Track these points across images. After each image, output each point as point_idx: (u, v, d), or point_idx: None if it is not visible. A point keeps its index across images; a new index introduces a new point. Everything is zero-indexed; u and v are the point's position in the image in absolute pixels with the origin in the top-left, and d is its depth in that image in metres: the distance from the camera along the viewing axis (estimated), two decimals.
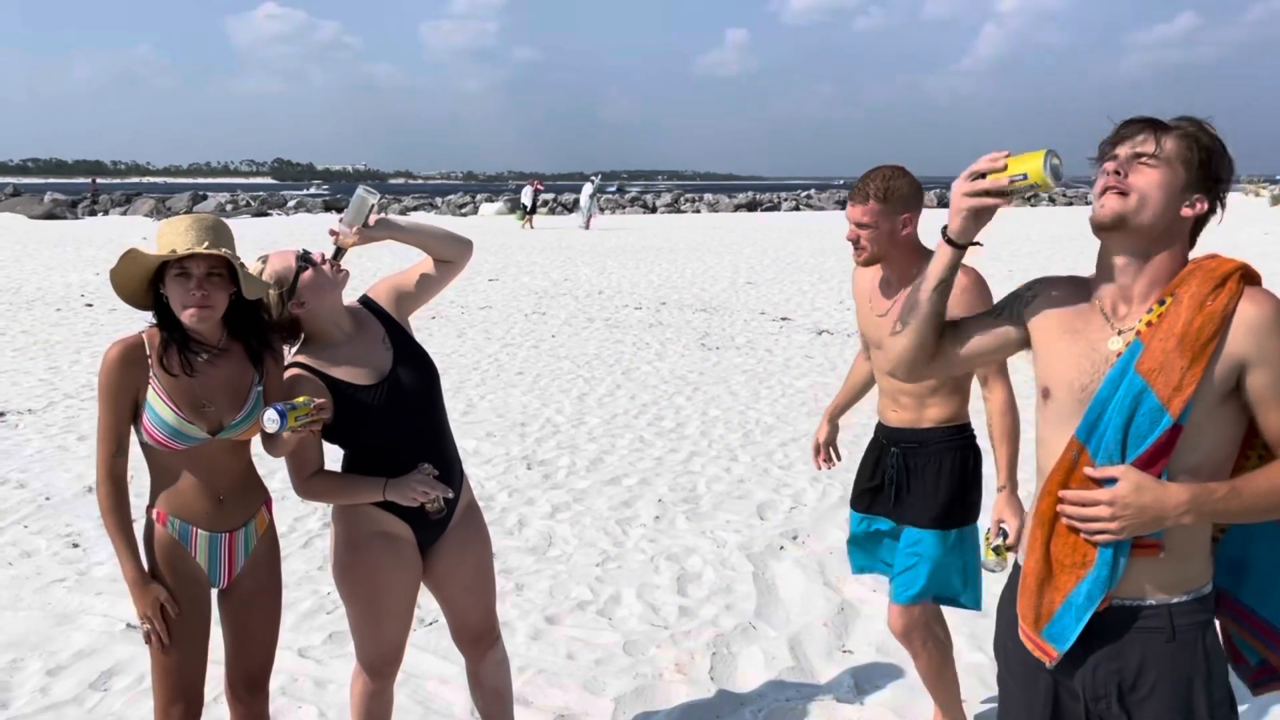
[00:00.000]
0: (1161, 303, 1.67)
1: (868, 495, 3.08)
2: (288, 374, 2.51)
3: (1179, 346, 1.61)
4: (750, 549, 4.75)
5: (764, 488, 5.68)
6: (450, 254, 2.67)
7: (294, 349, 2.58)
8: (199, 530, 2.43)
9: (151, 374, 2.34)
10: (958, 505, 2.91)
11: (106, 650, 3.75)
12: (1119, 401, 1.65)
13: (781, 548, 4.77)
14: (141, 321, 2.49)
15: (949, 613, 4.14)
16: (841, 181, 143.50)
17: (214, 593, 2.54)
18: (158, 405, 2.32)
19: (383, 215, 2.60)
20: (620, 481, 5.81)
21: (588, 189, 32.73)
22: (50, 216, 35.87)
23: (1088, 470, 1.67)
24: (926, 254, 2.54)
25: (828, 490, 5.60)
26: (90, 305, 12.97)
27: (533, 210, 31.80)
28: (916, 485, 2.93)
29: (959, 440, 2.92)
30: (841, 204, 52.73)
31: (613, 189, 59.86)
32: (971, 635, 3.82)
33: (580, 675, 3.58)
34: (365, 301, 2.69)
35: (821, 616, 4.03)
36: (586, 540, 4.90)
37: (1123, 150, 1.68)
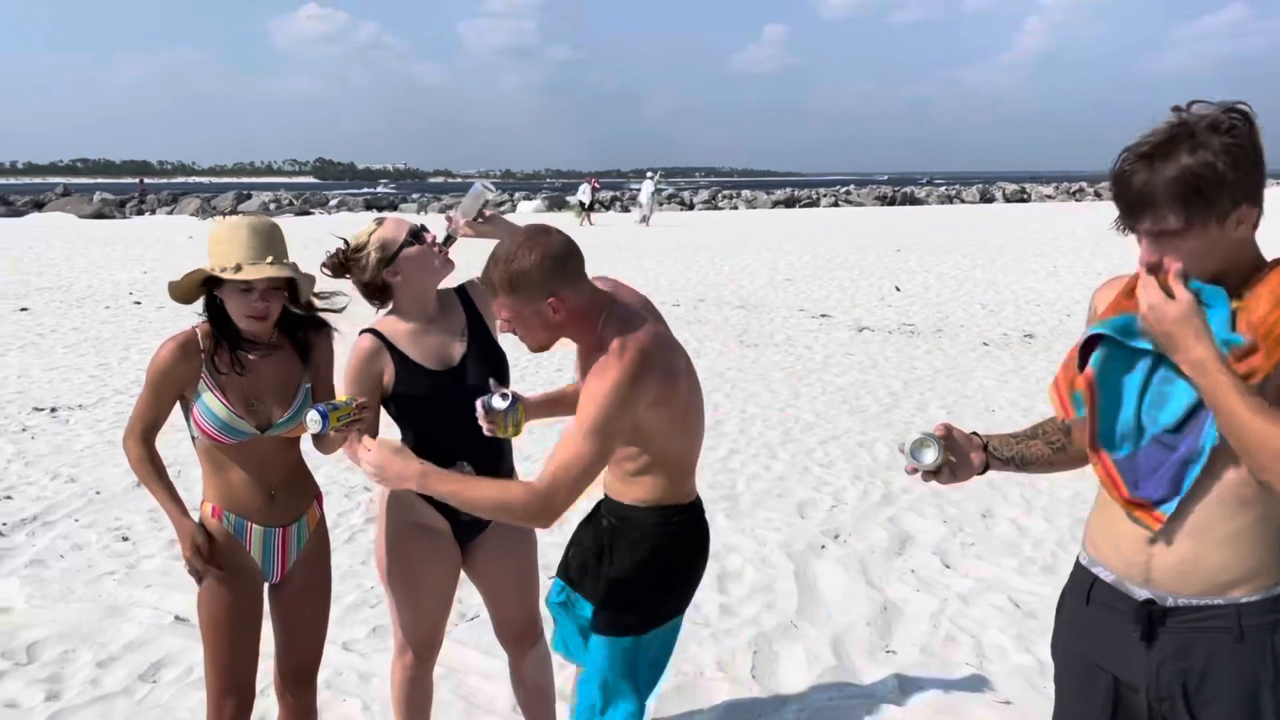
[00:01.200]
0: (1239, 297, 1.61)
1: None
2: (360, 338, 2.56)
3: (1257, 337, 1.56)
4: (791, 547, 4.72)
5: (804, 486, 5.65)
6: None
7: (380, 312, 2.65)
8: (254, 525, 2.46)
9: (204, 369, 2.38)
10: (631, 606, 2.29)
11: (156, 642, 3.82)
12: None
13: (823, 546, 4.74)
14: (191, 314, 2.52)
15: (1000, 617, 4.10)
16: (885, 177, 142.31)
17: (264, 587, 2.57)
18: (209, 400, 2.36)
19: (495, 213, 2.64)
20: None
21: (648, 186, 33.07)
22: (99, 216, 36.55)
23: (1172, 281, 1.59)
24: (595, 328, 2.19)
25: (869, 490, 5.55)
26: (139, 303, 13.20)
27: (590, 207, 32.35)
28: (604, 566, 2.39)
29: (660, 524, 2.30)
30: (882, 199, 52.34)
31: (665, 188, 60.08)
32: (1019, 636, 3.77)
33: None
34: (461, 291, 2.73)
35: (864, 616, 4.00)
36: None
37: (1143, 228, 1.61)
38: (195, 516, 2.47)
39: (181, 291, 2.39)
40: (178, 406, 2.45)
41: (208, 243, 2.39)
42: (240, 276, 2.29)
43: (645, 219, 31.16)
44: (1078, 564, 1.86)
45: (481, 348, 2.65)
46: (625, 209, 42.15)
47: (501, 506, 2.08)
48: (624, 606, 2.27)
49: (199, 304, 2.45)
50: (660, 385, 2.12)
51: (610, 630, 2.26)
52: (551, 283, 2.05)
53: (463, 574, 2.77)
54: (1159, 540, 1.68)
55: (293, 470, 2.55)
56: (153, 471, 2.43)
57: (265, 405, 2.41)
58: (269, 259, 2.31)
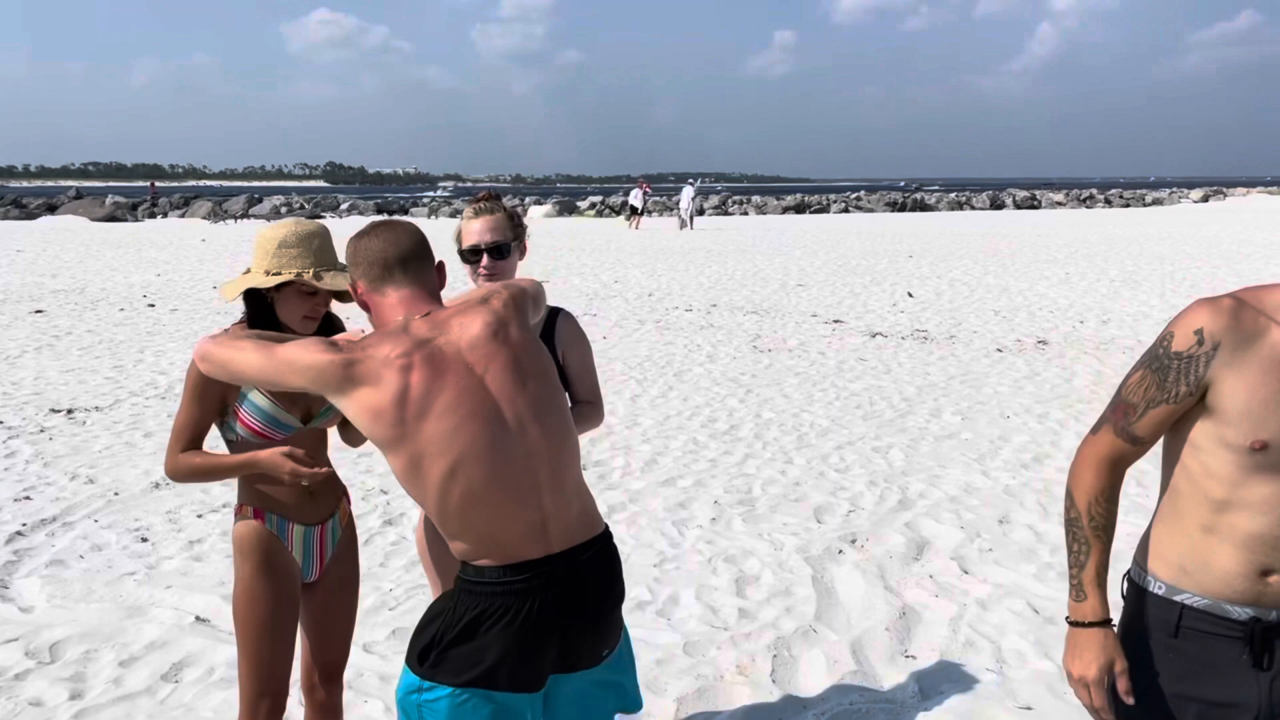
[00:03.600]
0: None
1: None
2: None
3: None
4: (808, 552, 4.72)
5: (820, 491, 5.64)
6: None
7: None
8: (294, 525, 2.48)
9: None
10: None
11: (177, 642, 3.83)
12: None
13: (840, 551, 4.73)
14: (209, 317, 2.54)
15: (1018, 622, 4.10)
16: (904, 183, 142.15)
17: None
18: (256, 396, 2.38)
19: None
20: (675, 483, 5.81)
21: (688, 192, 33.94)
22: (112, 219, 36.74)
23: None
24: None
25: (885, 495, 5.54)
26: (152, 305, 13.25)
27: (641, 212, 33.28)
28: None
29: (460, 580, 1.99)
30: (892, 205, 52.26)
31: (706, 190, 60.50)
32: (1038, 642, 3.76)
33: (642, 675, 3.55)
34: (552, 313, 2.78)
35: (883, 621, 3.99)
36: (644, 541, 4.90)
37: None
38: (233, 520, 2.49)
39: (236, 289, 2.42)
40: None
41: (268, 245, 2.41)
42: (327, 286, 2.36)
43: (686, 224, 31.98)
44: (1152, 597, 1.79)
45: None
46: (615, 212, 42.61)
47: None
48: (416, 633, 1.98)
49: (209, 306, 2.48)
50: (358, 403, 1.85)
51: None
52: (357, 267, 2.01)
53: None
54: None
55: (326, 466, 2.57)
56: (206, 459, 2.38)
57: (305, 397, 2.43)
58: (340, 265, 2.40)
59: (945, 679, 3.56)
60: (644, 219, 33.77)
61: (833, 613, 4.10)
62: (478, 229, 2.73)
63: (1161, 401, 1.71)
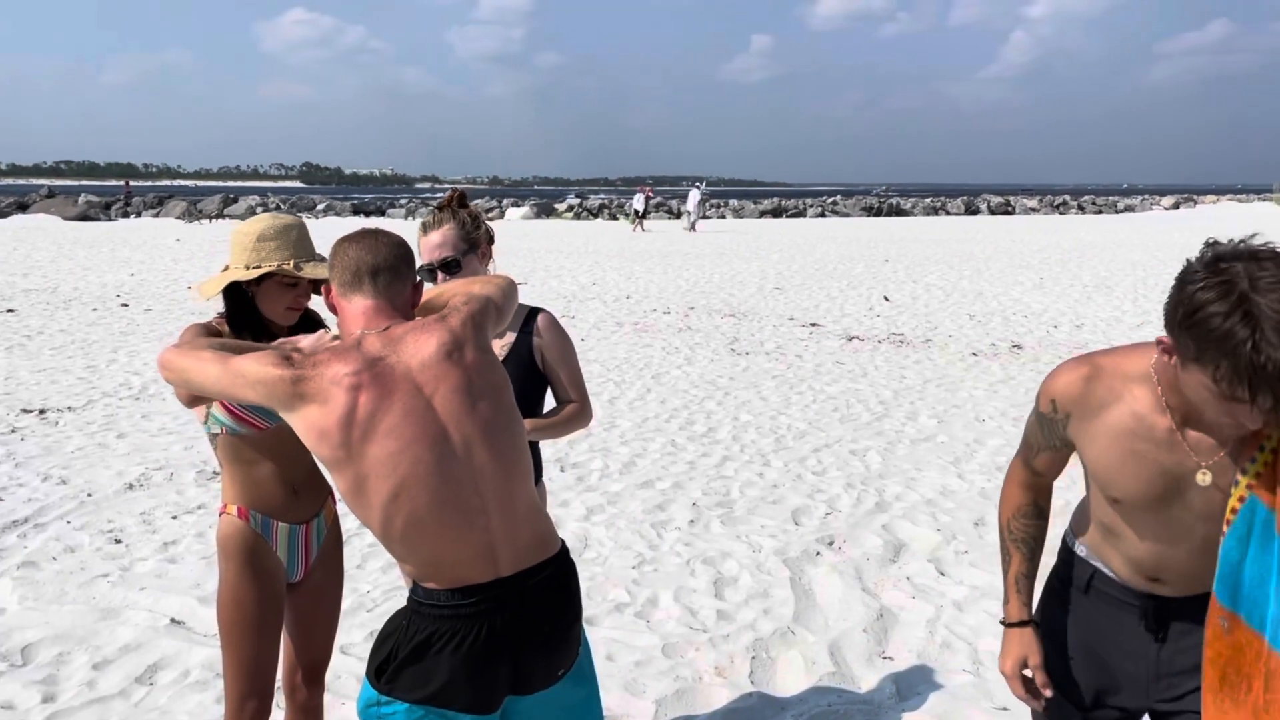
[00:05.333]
0: (1262, 449, 1.62)
1: None
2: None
3: None
4: (786, 554, 4.74)
5: (798, 493, 5.67)
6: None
7: None
8: (279, 523, 2.46)
9: None
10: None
11: (151, 645, 3.80)
12: (1263, 562, 1.60)
13: (818, 553, 4.76)
14: (182, 317, 2.53)
15: (995, 624, 4.15)
16: (883, 187, 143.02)
17: None
18: None
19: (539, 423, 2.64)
20: (653, 485, 5.81)
21: (695, 195, 34.89)
22: (84, 218, 36.34)
23: None
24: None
25: (863, 497, 5.58)
26: (126, 305, 13.12)
27: (644, 215, 34.15)
28: None
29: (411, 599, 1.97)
30: (868, 210, 52.57)
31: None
32: None
33: (620, 677, 3.58)
34: (531, 313, 2.73)
35: (860, 622, 4.02)
36: (622, 543, 4.90)
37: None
38: (216, 523, 2.48)
39: (216, 286, 2.41)
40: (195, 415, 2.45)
41: (246, 240, 2.41)
42: (309, 275, 2.36)
43: (693, 225, 32.60)
44: (1075, 555, 1.97)
45: (517, 369, 2.64)
46: (614, 216, 42.72)
47: None
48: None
49: (183, 306, 2.47)
50: (305, 421, 1.83)
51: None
52: (333, 270, 2.00)
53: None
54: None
55: (312, 465, 2.56)
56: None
57: None
58: (320, 256, 2.41)
59: (922, 680, 3.58)
60: (641, 220, 34.41)
61: (810, 614, 4.12)
62: (427, 247, 2.69)
63: (1045, 448, 1.90)
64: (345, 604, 4.14)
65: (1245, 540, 1.62)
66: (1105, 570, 1.90)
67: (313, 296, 2.51)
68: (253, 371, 1.85)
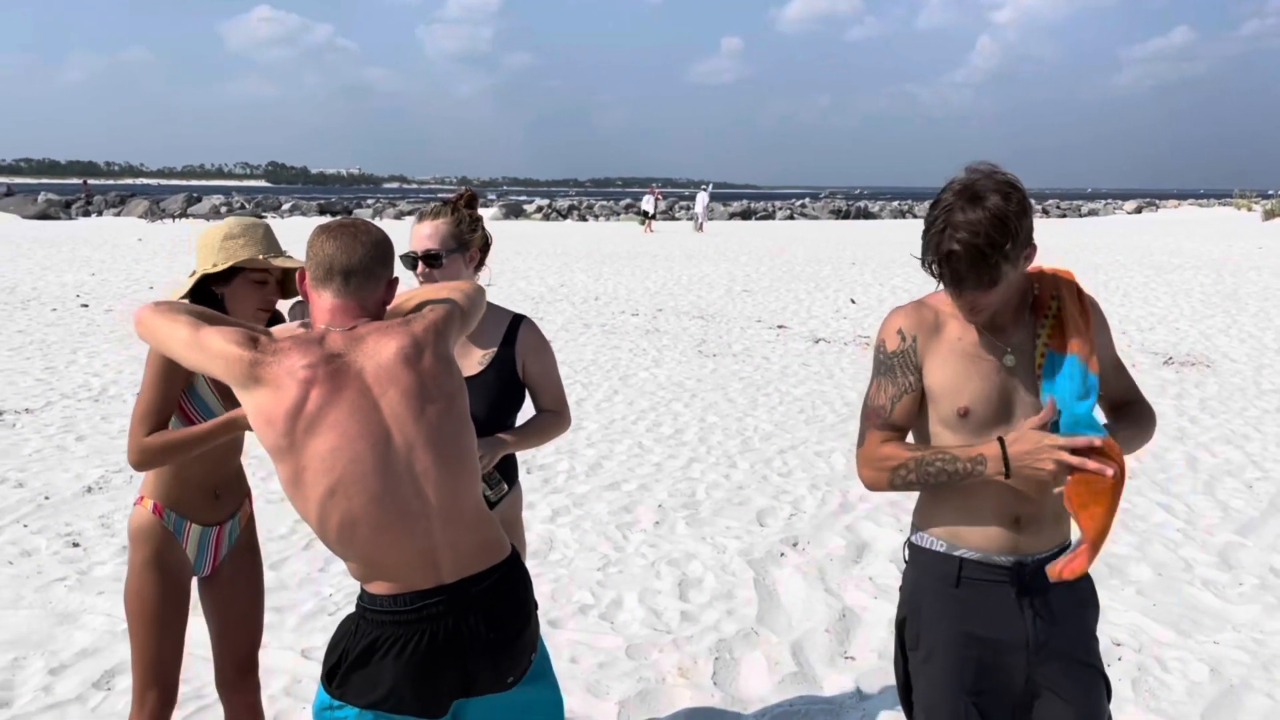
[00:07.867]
0: (1046, 320, 1.99)
1: None
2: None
3: (1079, 334, 1.96)
4: (751, 555, 4.76)
5: (763, 494, 5.70)
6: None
7: None
8: (192, 524, 2.48)
9: None
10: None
11: (109, 649, 3.75)
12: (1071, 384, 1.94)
13: (782, 554, 4.78)
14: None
15: None
16: (859, 191, 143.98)
17: (194, 584, 2.58)
18: (204, 391, 2.39)
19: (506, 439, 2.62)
20: (620, 487, 5.82)
21: (702, 197, 35.71)
22: (44, 217, 35.80)
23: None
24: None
25: (827, 498, 5.62)
26: (86, 305, 12.94)
27: (653, 216, 34.79)
28: None
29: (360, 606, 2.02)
30: (836, 213, 52.91)
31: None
32: None
33: (583, 679, 3.59)
34: (515, 320, 2.74)
35: (823, 623, 4.05)
36: (587, 545, 4.91)
37: (967, 298, 1.93)
38: (129, 512, 2.48)
39: (184, 289, 2.41)
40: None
41: (212, 241, 2.41)
42: (279, 264, 2.37)
43: (700, 226, 33.26)
44: (934, 554, 2.07)
45: (497, 377, 2.63)
46: (583, 218, 42.79)
47: None
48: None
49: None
50: (256, 404, 1.85)
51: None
52: (309, 260, 2.00)
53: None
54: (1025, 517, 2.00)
55: (237, 471, 2.61)
56: (178, 432, 2.26)
57: None
58: (286, 254, 2.43)
59: (884, 680, 3.61)
60: (638, 220, 34.90)
61: (774, 615, 4.14)
62: (417, 235, 2.70)
63: (903, 393, 2.03)
64: (307, 607, 4.12)
65: (1052, 379, 1.95)
66: (970, 555, 2.02)
67: (280, 301, 2.51)
68: (217, 345, 1.88)
